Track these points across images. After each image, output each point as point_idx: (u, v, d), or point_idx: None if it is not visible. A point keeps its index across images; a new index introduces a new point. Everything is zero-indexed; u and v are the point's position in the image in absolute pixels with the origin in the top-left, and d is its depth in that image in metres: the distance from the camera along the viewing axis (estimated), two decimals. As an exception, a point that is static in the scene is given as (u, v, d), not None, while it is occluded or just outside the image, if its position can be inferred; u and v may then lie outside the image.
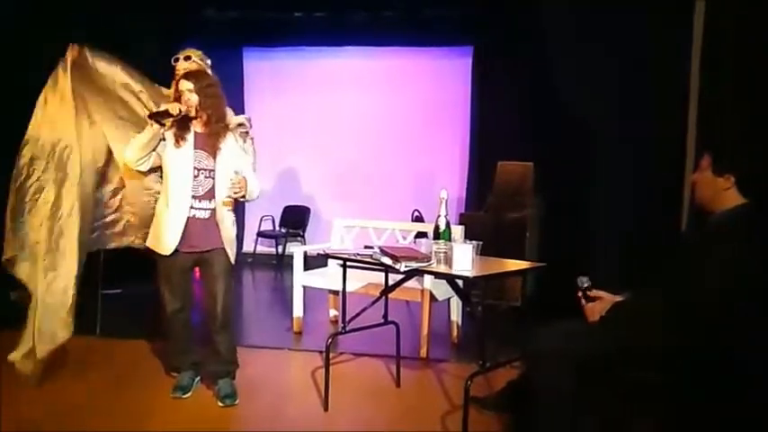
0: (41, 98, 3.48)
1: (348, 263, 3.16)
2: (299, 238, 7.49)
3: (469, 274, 2.60)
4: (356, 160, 7.65)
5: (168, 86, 3.66)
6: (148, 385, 3.42)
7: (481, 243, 2.80)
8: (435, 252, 2.76)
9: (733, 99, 3.81)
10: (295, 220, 7.65)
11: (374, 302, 3.30)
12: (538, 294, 4.89)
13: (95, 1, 5.70)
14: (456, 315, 4.41)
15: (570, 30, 5.22)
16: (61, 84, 3.44)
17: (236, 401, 3.23)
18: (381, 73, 7.59)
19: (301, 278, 4.57)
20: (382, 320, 3.36)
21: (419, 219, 6.58)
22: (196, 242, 3.18)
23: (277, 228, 7.77)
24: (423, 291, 4.04)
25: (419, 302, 4.08)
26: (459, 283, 3.07)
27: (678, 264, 2.35)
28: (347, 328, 3.21)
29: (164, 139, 3.15)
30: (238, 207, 3.62)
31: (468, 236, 3.90)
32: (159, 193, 3.34)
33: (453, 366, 3.85)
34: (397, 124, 7.55)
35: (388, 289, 3.28)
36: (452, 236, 2.92)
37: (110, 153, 3.54)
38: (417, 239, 3.86)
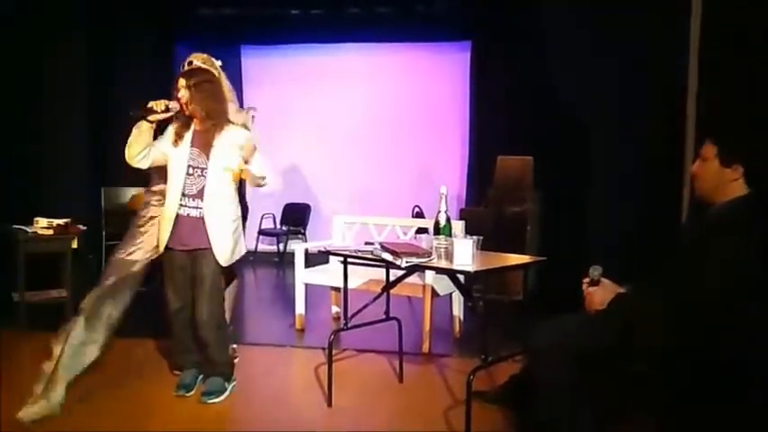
0: None
1: (349, 259, 3.16)
2: (299, 236, 7.49)
3: (470, 268, 2.61)
4: (356, 157, 7.64)
5: (166, 84, 3.66)
6: (153, 384, 3.42)
7: (482, 238, 2.81)
8: (436, 247, 2.76)
9: (737, 88, 3.79)
10: (296, 217, 7.66)
11: (376, 299, 3.30)
12: (539, 288, 4.90)
13: (94, 0, 5.70)
14: (458, 310, 4.42)
15: (569, 25, 5.22)
16: None
17: (217, 399, 3.18)
18: (380, 69, 7.58)
19: (303, 275, 4.58)
20: (384, 316, 3.36)
21: (419, 214, 6.59)
22: (187, 240, 3.18)
23: (278, 225, 7.78)
24: (424, 286, 4.04)
25: (421, 298, 4.09)
26: (461, 278, 3.07)
27: (678, 257, 2.34)
28: (349, 325, 3.21)
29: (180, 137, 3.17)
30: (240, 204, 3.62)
31: (469, 231, 3.90)
32: None
33: (455, 361, 3.86)
34: (397, 120, 7.54)
35: (389, 285, 3.28)
36: (453, 231, 2.92)
37: None
38: (418, 235, 3.85)
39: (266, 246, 7.78)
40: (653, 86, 4.73)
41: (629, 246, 4.59)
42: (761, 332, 2.11)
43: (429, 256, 2.75)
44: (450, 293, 4.31)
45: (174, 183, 3.17)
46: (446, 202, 2.89)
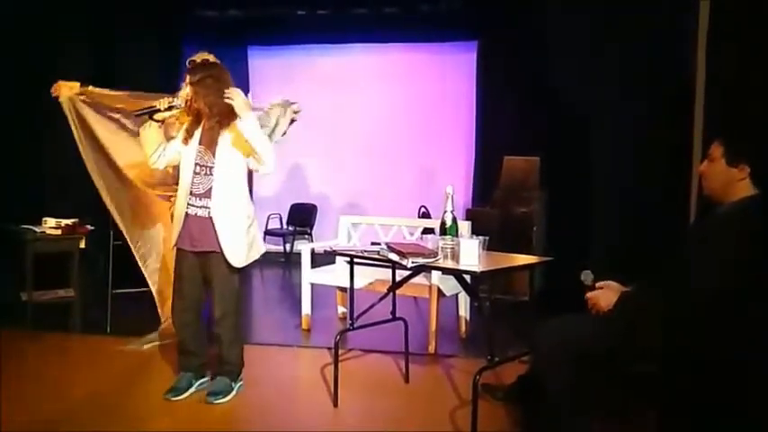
0: None
1: (355, 260, 3.16)
2: (306, 236, 7.51)
3: (477, 269, 2.60)
4: (362, 157, 7.65)
5: (174, 87, 3.67)
6: (158, 383, 3.44)
7: (488, 238, 2.80)
8: (442, 248, 2.76)
9: (743, 86, 3.77)
10: (302, 217, 7.67)
11: (382, 299, 3.30)
12: (545, 288, 4.88)
13: (98, 1, 5.72)
14: (464, 310, 4.41)
15: (575, 25, 5.20)
16: None
17: (223, 399, 3.17)
18: (386, 69, 7.58)
19: (309, 275, 4.58)
20: (390, 317, 3.36)
21: (426, 215, 6.58)
22: (197, 241, 3.15)
23: (284, 226, 7.79)
24: (430, 286, 4.04)
25: (427, 298, 4.09)
26: (467, 278, 3.07)
27: (684, 256, 2.33)
28: (355, 325, 3.21)
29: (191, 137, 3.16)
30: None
31: (475, 231, 3.89)
32: None
33: (462, 361, 3.85)
34: (403, 121, 7.54)
35: (395, 285, 3.28)
36: (459, 231, 2.92)
37: None
38: (424, 235, 3.86)
39: (273, 246, 7.78)
40: (659, 87, 4.71)
41: (635, 246, 4.57)
42: (765, 332, 2.10)
43: (435, 257, 2.74)
44: (457, 294, 4.30)
45: (184, 182, 3.16)
46: (452, 202, 2.89)
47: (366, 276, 4.05)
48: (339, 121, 7.67)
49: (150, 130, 3.15)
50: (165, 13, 6.49)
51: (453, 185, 2.98)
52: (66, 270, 4.53)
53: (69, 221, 4.45)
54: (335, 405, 3.16)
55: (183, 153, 3.18)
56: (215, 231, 3.11)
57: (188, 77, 3.14)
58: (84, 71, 5.75)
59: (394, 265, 2.98)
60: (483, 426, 2.55)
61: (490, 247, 2.88)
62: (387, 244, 2.93)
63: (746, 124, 3.52)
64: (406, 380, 3.54)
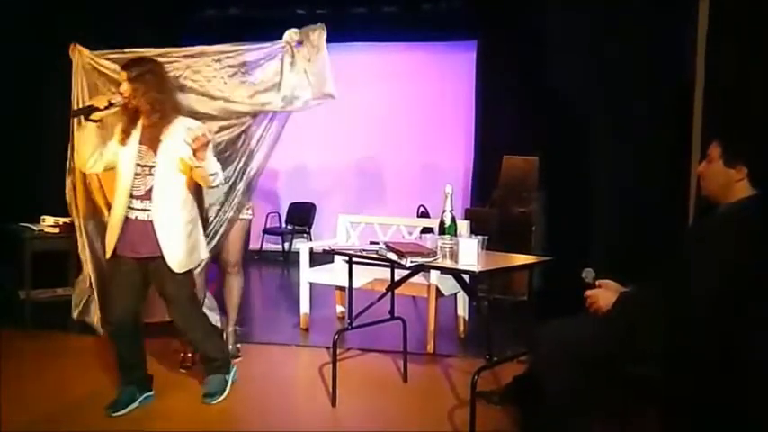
0: None
1: (354, 259, 3.16)
2: (304, 235, 7.51)
3: (475, 268, 2.60)
4: (361, 156, 7.65)
5: None
6: (156, 383, 3.43)
7: (487, 238, 2.80)
8: (441, 247, 2.76)
9: (742, 87, 3.77)
10: (301, 216, 7.67)
11: (380, 298, 3.30)
12: (544, 288, 4.88)
13: (97, 1, 5.71)
14: (462, 310, 4.41)
15: (574, 24, 5.20)
16: None
17: (220, 398, 3.14)
18: (385, 69, 7.57)
19: (308, 275, 4.58)
20: (389, 316, 3.36)
21: (424, 214, 6.59)
22: (138, 246, 2.94)
23: (283, 224, 7.79)
24: (429, 286, 4.04)
25: (425, 298, 4.09)
26: (466, 277, 3.07)
27: (683, 257, 2.33)
28: (354, 324, 3.21)
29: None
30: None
31: (474, 231, 3.90)
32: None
33: (460, 361, 3.85)
34: (402, 120, 7.54)
35: (394, 284, 3.28)
36: (458, 231, 2.92)
37: None
38: (423, 235, 3.86)
39: (271, 245, 7.79)
40: (659, 87, 4.71)
41: (635, 246, 4.57)
42: (765, 333, 2.10)
43: (434, 256, 2.74)
44: (455, 293, 4.30)
45: (122, 184, 2.95)
46: (451, 201, 2.89)
47: (365, 276, 4.05)
48: (338, 121, 7.65)
49: (87, 132, 2.95)
50: (165, 13, 6.48)
51: (452, 185, 2.97)
52: (65, 268, 4.53)
53: (68, 219, 4.44)
54: (334, 404, 3.16)
55: (120, 154, 2.96)
56: (155, 234, 2.92)
57: (124, 73, 2.93)
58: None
59: (393, 265, 2.98)
60: (481, 425, 2.55)
61: (489, 246, 2.87)
62: (385, 243, 2.93)
63: (744, 125, 3.52)
64: (405, 379, 3.54)
